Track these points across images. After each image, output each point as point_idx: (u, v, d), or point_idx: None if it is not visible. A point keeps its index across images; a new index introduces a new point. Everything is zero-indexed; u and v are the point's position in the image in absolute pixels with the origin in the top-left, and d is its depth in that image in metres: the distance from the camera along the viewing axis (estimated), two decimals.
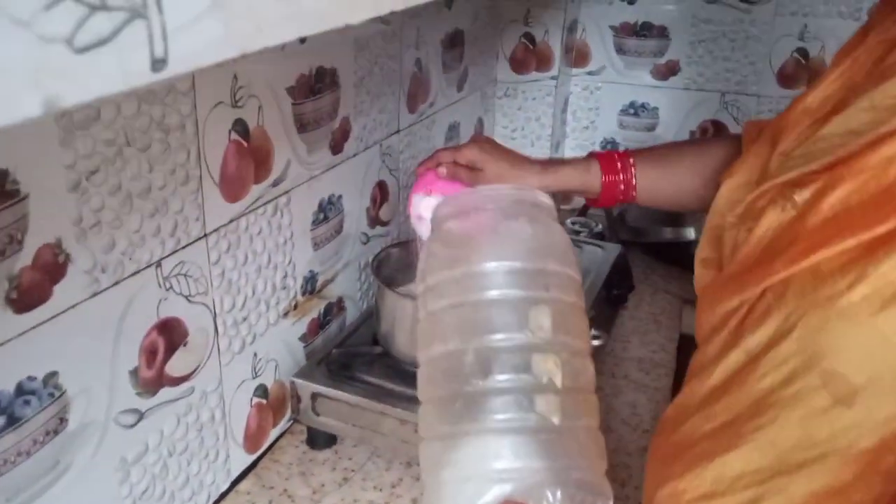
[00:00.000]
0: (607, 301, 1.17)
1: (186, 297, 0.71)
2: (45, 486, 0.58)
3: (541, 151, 1.56)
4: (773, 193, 0.58)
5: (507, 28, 1.49)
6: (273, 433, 0.91)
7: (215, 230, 0.74)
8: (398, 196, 1.16)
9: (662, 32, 1.52)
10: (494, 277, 0.56)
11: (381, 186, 1.09)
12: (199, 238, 0.72)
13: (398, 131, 1.12)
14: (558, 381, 0.53)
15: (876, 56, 0.59)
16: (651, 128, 1.60)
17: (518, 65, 1.52)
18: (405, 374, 0.87)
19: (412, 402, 0.82)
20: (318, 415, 0.88)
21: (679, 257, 1.41)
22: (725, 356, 0.56)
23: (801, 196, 0.53)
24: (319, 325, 0.98)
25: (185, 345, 0.72)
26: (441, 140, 1.30)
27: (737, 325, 0.57)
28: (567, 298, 0.58)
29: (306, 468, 0.88)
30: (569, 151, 1.68)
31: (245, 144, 0.76)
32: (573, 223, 1.55)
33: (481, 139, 0.81)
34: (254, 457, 0.88)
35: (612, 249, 1.28)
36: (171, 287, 0.69)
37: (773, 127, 0.67)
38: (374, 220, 1.09)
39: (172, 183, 0.66)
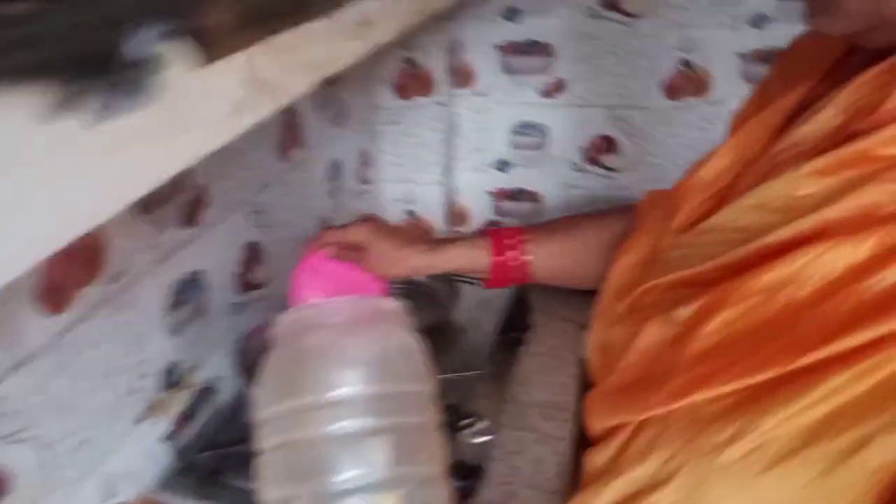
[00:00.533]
0: (503, 345, 1.12)
1: (5, 440, 0.60)
2: None
3: (432, 177, 1.50)
4: (656, 295, 0.53)
5: (386, 52, 1.41)
6: None
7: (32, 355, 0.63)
8: (275, 253, 1.06)
9: (547, 50, 1.48)
10: (324, 412, 0.50)
11: (253, 248, 1.00)
12: (14, 368, 0.61)
13: (267, 185, 1.02)
14: None
15: (771, 128, 0.54)
16: (541, 145, 1.56)
17: (401, 90, 1.44)
18: None
19: None
20: None
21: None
22: (609, 483, 0.52)
23: (683, 313, 0.48)
24: (188, 416, 0.88)
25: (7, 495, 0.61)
26: (324, 181, 1.21)
27: (620, 448, 0.52)
28: (411, 419, 0.52)
29: None
30: (462, 174, 1.62)
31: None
32: None
33: (369, 218, 0.76)
34: None
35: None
36: None
37: (668, 197, 0.62)
38: (248, 286, 0.99)
39: None
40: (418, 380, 0.52)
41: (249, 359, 0.81)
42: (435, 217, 1.53)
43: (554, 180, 1.58)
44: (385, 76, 1.42)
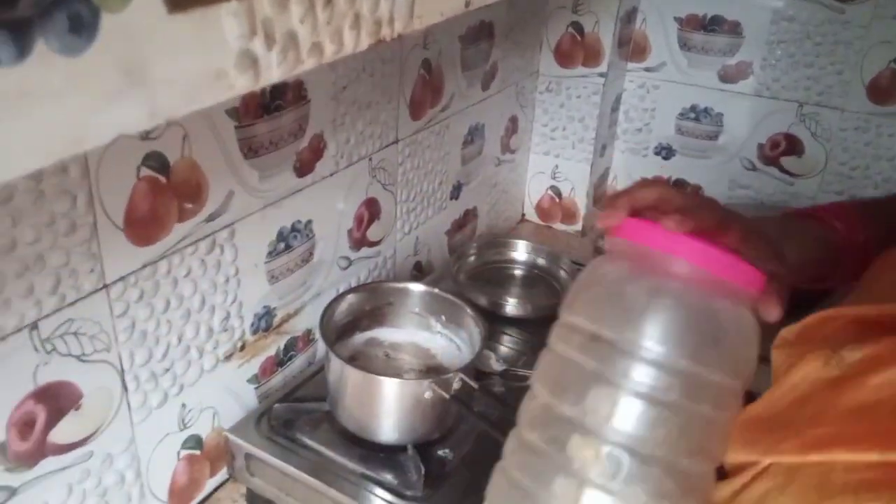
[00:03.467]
0: None
1: (78, 357, 0.62)
2: None
3: (583, 154, 1.40)
4: (835, 326, 0.46)
5: (553, 16, 1.32)
6: (210, 484, 0.83)
7: (121, 279, 0.64)
8: (394, 212, 1.03)
9: (735, 29, 1.31)
10: (620, 356, 0.47)
11: (371, 204, 0.97)
12: (96, 291, 0.62)
13: (396, 142, 0.99)
14: (591, 473, 0.47)
15: None
16: (713, 136, 1.40)
17: (563, 58, 1.35)
18: (350, 442, 0.76)
19: (351, 480, 0.72)
20: (252, 475, 0.78)
21: None
22: None
23: (852, 355, 0.39)
24: (277, 362, 0.88)
25: (77, 409, 0.63)
26: (457, 147, 1.16)
27: (736, 491, 0.45)
28: (691, 405, 0.47)
29: None
30: (618, 156, 1.50)
31: (164, 181, 0.65)
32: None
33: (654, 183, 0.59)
34: None
35: None
36: (55, 349, 0.59)
37: None
38: (360, 242, 0.97)
39: (50, 235, 0.56)
40: (734, 374, 0.47)
41: (331, 326, 0.79)
42: (580, 197, 1.43)
43: (721, 176, 1.42)
44: (550, 41, 1.33)
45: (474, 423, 0.79)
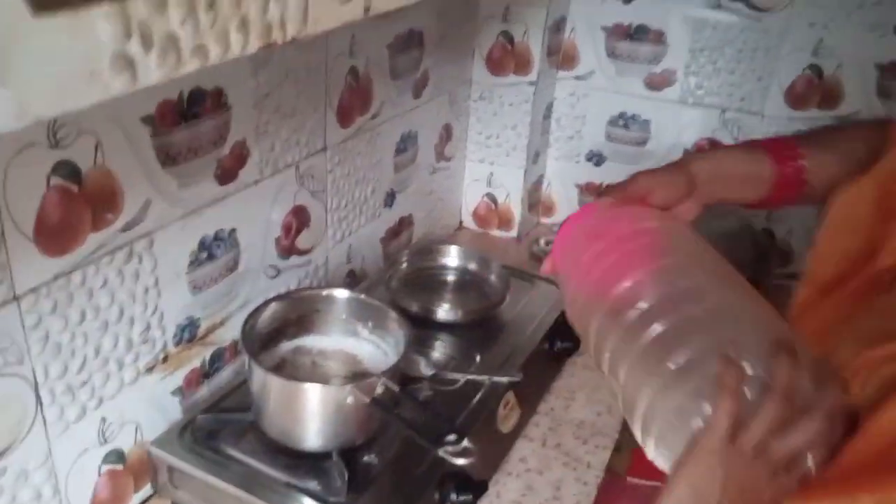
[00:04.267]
0: (550, 355, 1.04)
1: None
2: None
3: (517, 161, 1.42)
4: None
5: (483, 25, 1.34)
6: (136, 498, 0.81)
7: (32, 290, 0.62)
8: (325, 220, 1.03)
9: (659, 38, 1.35)
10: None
11: (299, 212, 0.97)
12: (6, 302, 0.60)
13: (324, 149, 0.99)
14: None
15: None
16: (642, 142, 1.44)
17: (495, 66, 1.37)
18: (275, 451, 0.76)
19: (276, 490, 0.72)
20: (176, 488, 0.77)
21: None
22: None
23: None
24: (203, 374, 0.87)
25: None
26: (389, 154, 1.16)
27: None
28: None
29: None
30: (551, 162, 1.53)
31: (76, 190, 0.64)
32: (546, 244, 1.42)
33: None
34: None
35: None
36: None
37: None
38: (289, 250, 0.97)
39: None
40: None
41: (253, 335, 0.78)
42: (515, 203, 1.45)
43: None
44: (481, 50, 1.35)
45: (399, 428, 0.79)
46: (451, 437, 0.64)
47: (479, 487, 0.77)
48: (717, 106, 1.36)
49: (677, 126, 1.40)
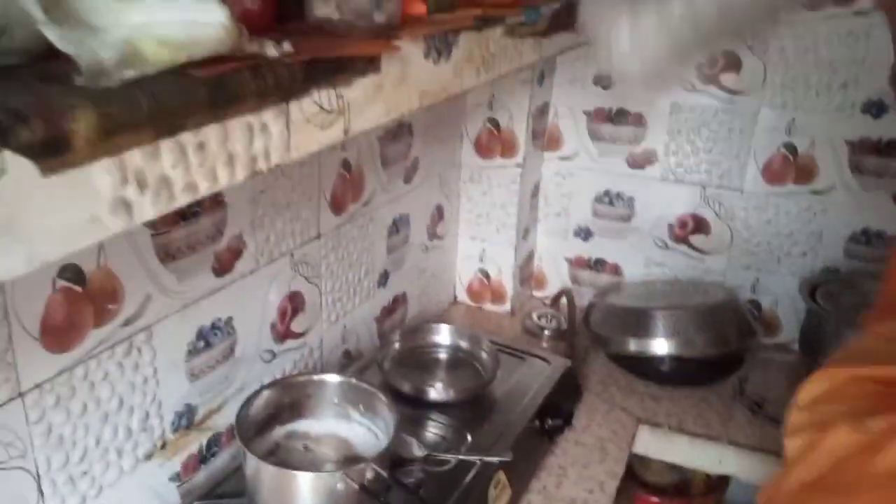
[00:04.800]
0: (540, 431, 1.06)
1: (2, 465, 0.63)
2: None
3: (507, 239, 1.47)
4: (858, 390, 0.51)
5: (471, 112, 1.41)
6: None
7: (36, 386, 0.66)
8: (320, 302, 1.07)
9: (639, 120, 1.42)
10: None
11: (294, 297, 1.01)
12: (10, 400, 0.64)
13: (318, 237, 1.04)
14: None
15: None
16: (627, 218, 1.49)
17: (483, 149, 1.43)
18: None
19: None
20: None
21: (645, 371, 1.29)
22: None
23: (876, 424, 0.46)
24: (200, 459, 0.89)
25: None
26: (382, 237, 1.21)
27: None
28: None
29: None
30: (541, 237, 1.58)
31: (80, 290, 0.68)
32: (539, 317, 1.45)
33: None
34: None
35: (559, 365, 1.17)
36: None
37: None
38: (284, 334, 1.01)
39: None
40: None
41: (247, 424, 0.81)
42: (507, 278, 1.50)
43: (636, 255, 1.51)
44: (469, 134, 1.42)
45: None
46: None
47: None
48: (697, 183, 1.42)
49: (660, 202, 1.45)
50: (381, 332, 1.27)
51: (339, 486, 0.73)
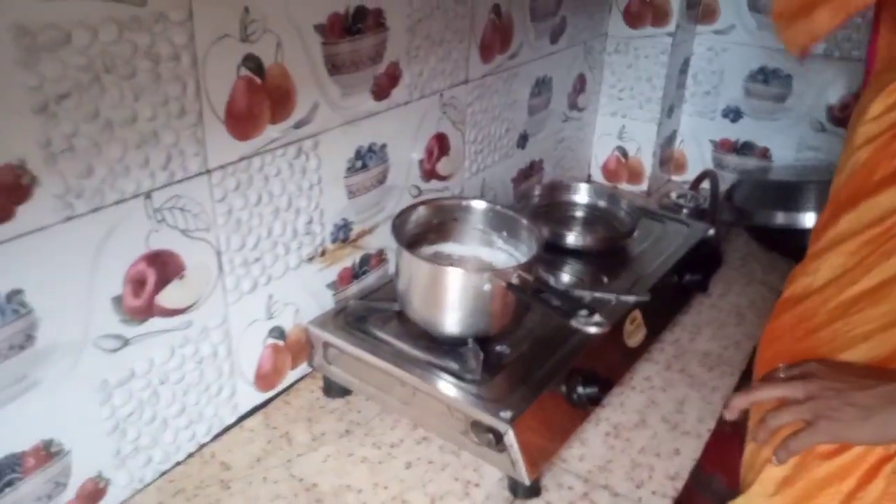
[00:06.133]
0: (678, 287, 1.06)
1: (183, 232, 0.71)
2: (10, 396, 0.61)
3: (650, 115, 1.43)
4: None
5: None
6: (291, 375, 0.91)
7: (221, 167, 0.73)
8: (462, 151, 1.10)
9: None
10: None
11: (441, 139, 1.04)
12: (200, 174, 0.71)
13: (466, 81, 1.06)
14: None
15: None
16: (781, 98, 1.42)
17: (632, 18, 1.39)
18: (417, 336, 0.83)
19: (417, 365, 0.79)
20: (329, 364, 0.86)
21: (789, 246, 1.25)
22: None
23: None
24: (353, 274, 0.96)
25: (180, 278, 0.72)
26: (524, 96, 1.22)
27: None
28: None
29: (314, 415, 0.87)
30: (685, 119, 1.53)
31: (259, 82, 0.74)
32: (678, 196, 1.42)
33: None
34: (266, 395, 0.88)
35: (699, 229, 1.15)
36: (164, 220, 0.69)
37: None
38: (430, 174, 1.05)
39: (164, 115, 0.65)
40: None
41: (403, 231, 0.86)
42: (646, 157, 1.47)
43: (789, 138, 1.43)
44: (619, 2, 1.38)
45: (530, 327, 0.85)
46: (584, 312, 0.68)
47: (606, 383, 0.81)
48: (863, 59, 1.32)
49: (821, 81, 1.37)
50: (517, 193, 1.29)
51: (486, 286, 0.77)
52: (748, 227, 1.30)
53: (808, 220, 1.18)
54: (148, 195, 0.67)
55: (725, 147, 1.50)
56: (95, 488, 0.71)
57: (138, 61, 0.62)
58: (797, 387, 0.68)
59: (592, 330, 0.68)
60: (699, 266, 1.10)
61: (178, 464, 0.80)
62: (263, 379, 0.87)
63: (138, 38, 0.61)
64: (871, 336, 0.68)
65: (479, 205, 0.93)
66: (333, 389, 0.89)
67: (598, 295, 0.94)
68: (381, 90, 0.90)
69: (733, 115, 1.48)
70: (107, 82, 0.60)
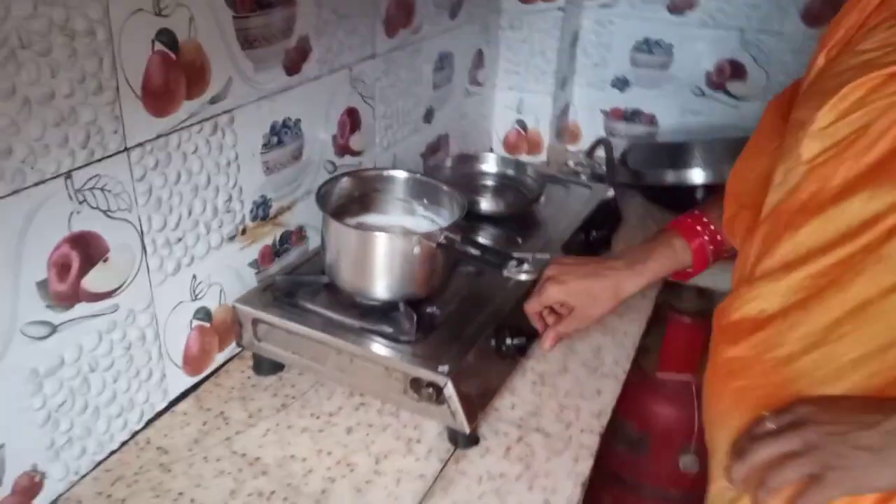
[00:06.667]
0: (586, 244, 1.12)
1: (105, 212, 0.69)
2: None
3: (545, 88, 1.49)
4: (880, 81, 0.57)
5: None
6: (219, 357, 0.91)
7: (139, 145, 0.72)
8: (373, 126, 1.12)
9: None
10: None
11: (352, 114, 1.06)
12: (119, 152, 0.70)
13: (373, 56, 1.07)
14: None
15: None
16: (665, 66, 1.51)
17: None
18: (348, 305, 0.85)
19: (351, 332, 0.81)
20: (259, 341, 0.86)
21: (681, 202, 1.34)
22: None
23: None
24: (274, 252, 0.96)
25: (104, 261, 0.71)
26: (429, 71, 1.25)
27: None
28: None
29: (247, 393, 0.87)
30: (577, 89, 1.61)
31: (173, 57, 0.73)
32: (576, 164, 1.49)
33: (553, 271, 0.86)
34: (195, 379, 0.87)
35: (600, 191, 1.22)
36: (86, 200, 0.67)
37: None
38: (343, 149, 1.06)
39: (81, 92, 0.64)
40: None
41: (328, 202, 0.87)
42: (544, 128, 1.53)
43: (673, 104, 1.53)
44: None
45: (456, 288, 0.88)
46: (514, 262, 0.72)
47: (531, 335, 0.86)
48: (736, 27, 1.43)
49: (699, 49, 1.47)
50: (426, 168, 1.32)
51: (416, 249, 0.79)
52: (642, 188, 1.39)
53: (696, 176, 1.27)
54: (68, 175, 0.65)
55: (616, 115, 1.59)
56: (31, 482, 0.68)
57: (54, 36, 0.60)
58: (793, 439, 0.58)
59: (523, 277, 0.72)
60: (602, 224, 1.17)
61: (113, 453, 0.78)
62: (192, 362, 0.86)
63: (53, 13, 0.59)
64: (862, 363, 0.59)
65: (399, 174, 0.95)
66: (264, 367, 0.89)
67: (515, 254, 0.98)
68: (293, 65, 0.91)
69: (621, 84, 1.56)
70: (23, 58, 0.58)
